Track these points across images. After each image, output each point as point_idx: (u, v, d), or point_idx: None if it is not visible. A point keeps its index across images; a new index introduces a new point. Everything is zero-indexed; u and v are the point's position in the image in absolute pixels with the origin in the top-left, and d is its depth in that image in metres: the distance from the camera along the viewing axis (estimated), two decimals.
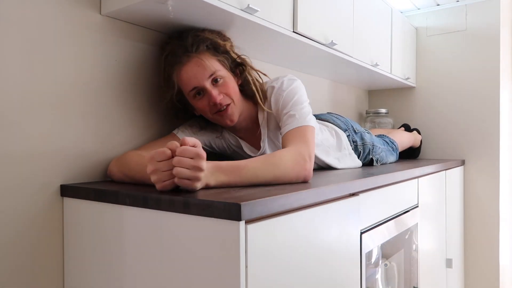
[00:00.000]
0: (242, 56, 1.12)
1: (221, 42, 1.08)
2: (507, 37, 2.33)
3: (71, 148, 0.97)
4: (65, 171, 0.95)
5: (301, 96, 1.11)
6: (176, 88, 1.06)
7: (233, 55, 1.10)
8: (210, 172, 0.78)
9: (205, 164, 0.75)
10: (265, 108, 1.13)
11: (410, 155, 2.24)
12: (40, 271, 0.91)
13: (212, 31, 1.11)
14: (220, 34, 1.12)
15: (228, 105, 1.07)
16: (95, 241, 0.88)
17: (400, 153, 2.28)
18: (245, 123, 1.17)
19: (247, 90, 1.13)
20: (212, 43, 1.06)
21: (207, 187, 0.79)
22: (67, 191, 0.93)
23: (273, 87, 1.13)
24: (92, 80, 1.01)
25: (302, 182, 0.92)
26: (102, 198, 0.85)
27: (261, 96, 1.13)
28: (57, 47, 0.94)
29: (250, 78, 1.12)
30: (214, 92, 1.04)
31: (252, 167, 0.85)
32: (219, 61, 1.06)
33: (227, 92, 1.06)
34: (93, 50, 1.01)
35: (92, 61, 1.01)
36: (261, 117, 1.17)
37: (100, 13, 1.02)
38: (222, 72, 1.06)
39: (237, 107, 1.09)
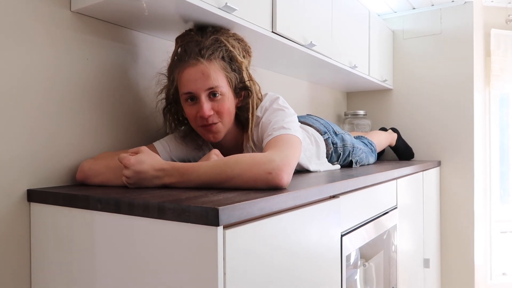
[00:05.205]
0: (253, 81, 1.05)
1: (240, 59, 1.02)
2: (479, 41, 2.39)
3: (39, 150, 0.91)
4: (32, 175, 0.90)
5: (284, 113, 1.05)
6: (175, 84, 1.02)
7: (245, 76, 1.04)
8: (163, 172, 0.83)
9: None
10: (250, 142, 1.07)
11: (406, 154, 2.26)
12: (6, 279, 0.86)
13: (239, 40, 1.06)
14: (245, 46, 1.07)
15: (215, 123, 1.01)
16: (64, 249, 0.83)
17: (398, 155, 2.28)
18: (231, 146, 1.11)
19: (241, 116, 1.07)
20: (230, 56, 1.01)
21: (164, 186, 0.84)
22: (34, 196, 0.88)
23: (257, 117, 1.07)
24: (61, 80, 0.96)
25: (274, 189, 0.82)
26: (72, 203, 0.81)
27: (253, 128, 1.06)
28: (23, 44, 0.89)
29: (250, 106, 1.05)
30: (206, 106, 0.98)
31: (204, 168, 0.83)
32: (227, 77, 1.00)
33: (220, 111, 1.00)
34: (62, 48, 0.96)
35: (61, 60, 0.96)
36: (246, 146, 1.11)
37: (70, 10, 0.98)
38: (224, 89, 0.99)
39: (224, 127, 1.03)
